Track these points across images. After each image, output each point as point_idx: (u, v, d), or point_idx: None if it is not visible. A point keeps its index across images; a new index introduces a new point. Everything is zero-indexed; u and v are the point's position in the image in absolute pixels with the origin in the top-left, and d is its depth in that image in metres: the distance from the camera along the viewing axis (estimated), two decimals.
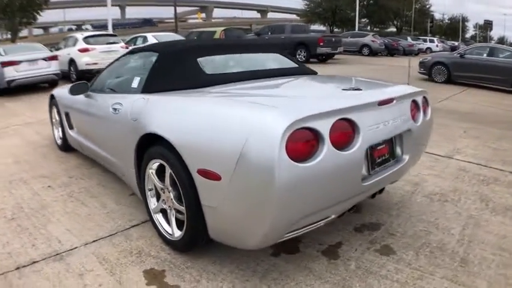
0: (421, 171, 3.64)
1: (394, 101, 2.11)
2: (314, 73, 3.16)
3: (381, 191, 2.38)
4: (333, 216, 1.96)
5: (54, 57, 9.63)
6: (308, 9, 37.15)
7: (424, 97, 2.52)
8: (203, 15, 66.75)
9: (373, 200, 2.86)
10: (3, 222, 2.74)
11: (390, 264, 2.17)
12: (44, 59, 9.31)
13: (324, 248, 2.33)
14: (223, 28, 14.43)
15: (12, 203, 3.06)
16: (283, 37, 14.91)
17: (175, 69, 2.57)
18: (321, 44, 14.54)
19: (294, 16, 61.50)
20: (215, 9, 79.13)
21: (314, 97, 2.20)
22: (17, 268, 2.19)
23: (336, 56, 16.76)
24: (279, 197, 1.57)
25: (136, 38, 13.66)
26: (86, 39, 10.77)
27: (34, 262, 2.25)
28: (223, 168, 1.71)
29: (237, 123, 1.72)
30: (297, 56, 14.66)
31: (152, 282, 2.03)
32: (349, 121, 1.82)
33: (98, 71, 11.92)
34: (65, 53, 10.70)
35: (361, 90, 2.18)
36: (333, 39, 15.61)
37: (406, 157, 2.31)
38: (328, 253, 2.28)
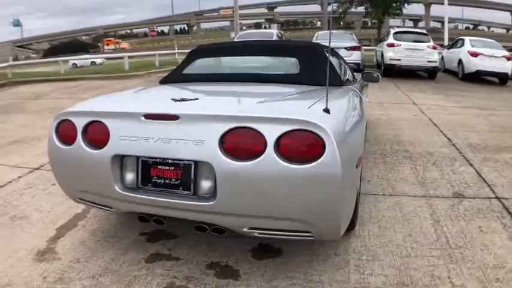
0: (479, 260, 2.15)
1: (179, 119, 1.84)
2: (316, 84, 2.45)
3: (219, 231, 1.92)
4: (113, 210, 2.11)
5: (356, 48, 10.79)
6: None
7: (308, 132, 1.68)
8: None
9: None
10: None
11: None
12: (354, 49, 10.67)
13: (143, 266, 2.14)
14: None
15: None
16: None
17: (181, 66, 3.12)
18: None
19: None
20: None
21: (132, 99, 2.50)
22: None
23: None
24: (52, 165, 2.26)
25: (458, 40, 12.70)
26: (395, 34, 10.99)
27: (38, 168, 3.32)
28: None
29: None
30: None
31: (66, 223, 2.61)
32: (104, 124, 1.99)
33: (400, 67, 10.87)
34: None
35: (189, 100, 2.08)
36: None
37: (214, 200, 1.80)
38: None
